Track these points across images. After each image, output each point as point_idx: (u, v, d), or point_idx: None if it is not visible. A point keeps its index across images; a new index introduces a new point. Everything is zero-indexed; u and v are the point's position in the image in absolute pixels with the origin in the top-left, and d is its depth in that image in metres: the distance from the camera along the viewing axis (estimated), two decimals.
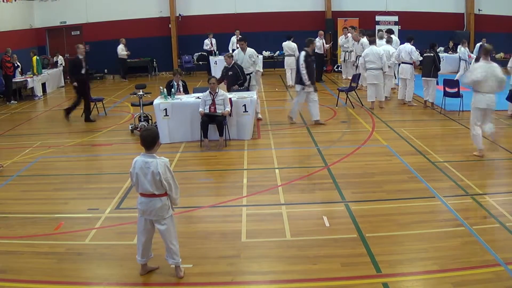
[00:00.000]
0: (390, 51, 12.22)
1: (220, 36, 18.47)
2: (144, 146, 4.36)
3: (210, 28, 18.66)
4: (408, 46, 11.84)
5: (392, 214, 5.82)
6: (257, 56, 11.15)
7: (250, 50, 10.82)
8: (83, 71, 11.44)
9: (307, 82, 9.99)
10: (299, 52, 10.87)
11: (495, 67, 7.86)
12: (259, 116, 11.01)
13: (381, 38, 13.59)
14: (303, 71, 9.92)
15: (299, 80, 10.14)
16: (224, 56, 10.56)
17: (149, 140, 4.33)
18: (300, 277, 4.50)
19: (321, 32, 16.67)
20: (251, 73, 10.61)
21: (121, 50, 18.47)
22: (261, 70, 11.38)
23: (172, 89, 9.58)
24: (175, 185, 4.39)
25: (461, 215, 5.64)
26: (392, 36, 13.85)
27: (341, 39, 16.83)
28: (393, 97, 13.00)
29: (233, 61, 10.18)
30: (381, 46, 12.32)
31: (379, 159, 7.99)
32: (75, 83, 11.45)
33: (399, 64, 12.21)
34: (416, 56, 11.73)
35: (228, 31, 18.44)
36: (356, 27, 16.89)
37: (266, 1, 19.43)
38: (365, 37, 14.08)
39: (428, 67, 11.30)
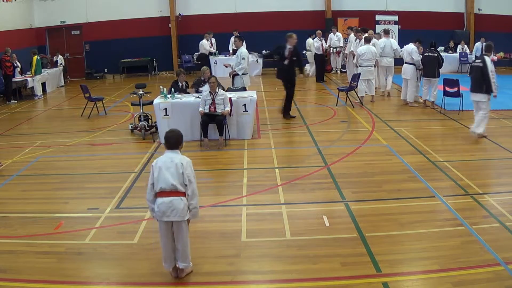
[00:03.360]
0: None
1: (220, 35, 18.47)
2: (169, 147, 4.45)
3: (210, 28, 18.65)
4: (410, 47, 11.81)
5: (392, 213, 5.82)
6: (243, 58, 10.77)
7: (239, 51, 10.75)
8: (286, 62, 10.67)
9: (496, 92, 8.77)
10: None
11: (371, 47, 12.11)
12: None
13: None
14: (493, 80, 8.63)
15: (485, 89, 8.72)
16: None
17: (173, 141, 4.43)
18: (300, 276, 4.50)
19: (319, 32, 16.59)
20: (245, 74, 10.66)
21: (206, 45, 18.24)
22: (239, 74, 10.80)
23: (172, 89, 9.59)
24: (195, 186, 4.37)
25: (461, 214, 5.64)
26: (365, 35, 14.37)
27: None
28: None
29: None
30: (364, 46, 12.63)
31: (379, 158, 7.99)
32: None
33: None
34: (416, 57, 11.64)
35: (228, 30, 18.44)
36: (356, 26, 16.90)
37: (266, 0, 19.42)
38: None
39: (432, 67, 11.24)
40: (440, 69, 11.39)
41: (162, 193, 4.33)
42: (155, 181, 4.38)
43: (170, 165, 4.32)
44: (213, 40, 18.63)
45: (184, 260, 4.48)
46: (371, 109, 11.67)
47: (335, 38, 17.36)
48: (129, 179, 7.25)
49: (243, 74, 10.86)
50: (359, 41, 14.61)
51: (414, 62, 11.71)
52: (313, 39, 16.77)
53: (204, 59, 18.20)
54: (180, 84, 10.08)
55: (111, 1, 19.20)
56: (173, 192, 4.30)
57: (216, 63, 18.34)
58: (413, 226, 5.42)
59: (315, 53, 16.57)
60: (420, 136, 9.20)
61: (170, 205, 4.30)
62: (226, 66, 10.97)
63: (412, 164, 7.54)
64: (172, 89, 9.57)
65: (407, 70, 11.84)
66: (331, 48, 17.59)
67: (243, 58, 10.77)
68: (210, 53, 18.66)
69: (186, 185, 4.33)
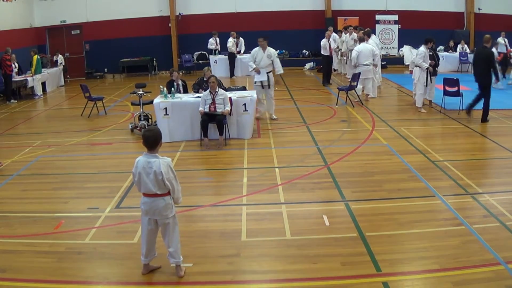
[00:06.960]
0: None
1: (220, 35, 18.49)
2: (147, 146, 4.38)
3: (210, 27, 18.66)
4: (420, 49, 11.61)
5: (392, 213, 5.82)
6: (276, 56, 10.70)
7: (270, 50, 10.57)
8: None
9: None
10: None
11: (367, 45, 12.31)
12: (274, 116, 10.88)
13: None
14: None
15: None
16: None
17: (152, 140, 4.35)
18: (300, 276, 4.50)
19: (328, 32, 15.51)
20: (269, 72, 10.52)
21: (232, 44, 18.01)
22: (282, 71, 10.69)
23: (172, 88, 9.59)
24: (177, 185, 4.41)
25: (461, 214, 5.64)
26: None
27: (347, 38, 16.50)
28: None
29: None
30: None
31: (379, 158, 7.99)
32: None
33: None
34: (417, 60, 11.43)
35: (228, 30, 18.44)
36: (357, 26, 16.85)
37: (266, 0, 19.43)
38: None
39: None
40: (437, 68, 11.36)
41: (145, 194, 4.40)
42: (137, 185, 4.45)
43: (149, 171, 4.29)
44: (218, 40, 18.64)
45: (174, 257, 4.49)
46: (371, 109, 11.67)
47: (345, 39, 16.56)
48: (129, 178, 7.24)
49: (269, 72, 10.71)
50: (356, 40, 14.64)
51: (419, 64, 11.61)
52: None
53: (232, 58, 18.12)
54: (176, 84, 10.01)
55: (111, 1, 19.21)
56: (156, 194, 4.34)
57: (216, 63, 18.34)
58: (413, 226, 5.42)
59: (322, 54, 15.64)
60: (420, 135, 9.20)
61: (152, 205, 4.37)
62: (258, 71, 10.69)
63: (412, 163, 7.54)
64: (172, 89, 9.57)
65: (415, 73, 11.67)
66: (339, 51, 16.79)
67: (276, 56, 10.76)
68: (211, 53, 18.63)
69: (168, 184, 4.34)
